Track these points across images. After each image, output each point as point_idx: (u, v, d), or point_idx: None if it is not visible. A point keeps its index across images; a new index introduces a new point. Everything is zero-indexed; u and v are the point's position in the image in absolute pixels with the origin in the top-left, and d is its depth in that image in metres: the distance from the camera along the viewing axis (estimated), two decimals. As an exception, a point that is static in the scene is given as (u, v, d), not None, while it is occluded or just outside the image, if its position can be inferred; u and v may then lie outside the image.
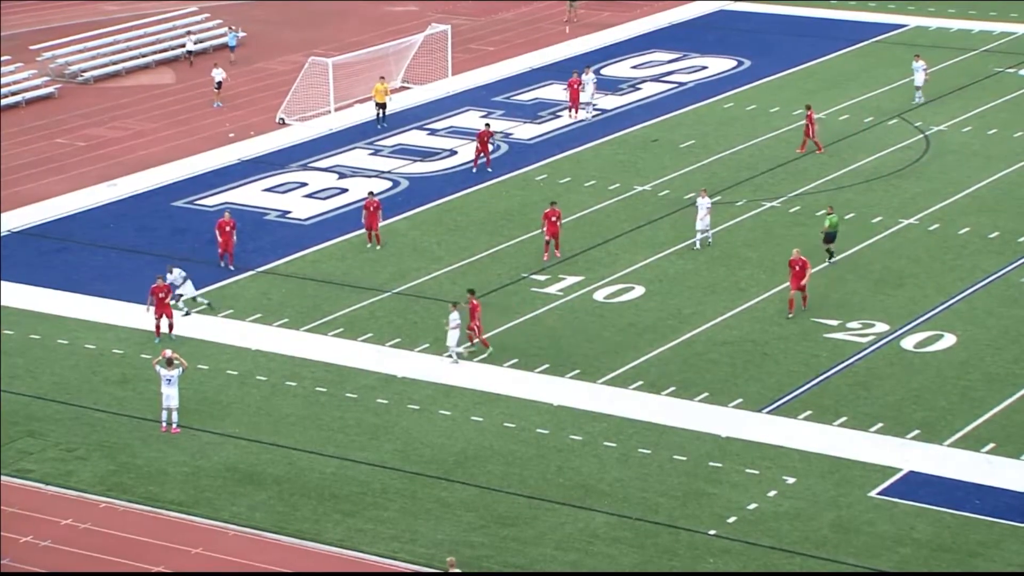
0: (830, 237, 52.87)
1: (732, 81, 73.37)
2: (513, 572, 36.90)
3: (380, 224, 54.69)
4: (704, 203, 54.43)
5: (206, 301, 49.72)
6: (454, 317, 46.23)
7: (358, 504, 39.50)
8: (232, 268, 53.06)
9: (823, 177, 60.88)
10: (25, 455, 41.70)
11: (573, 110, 68.05)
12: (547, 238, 53.66)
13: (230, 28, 78.23)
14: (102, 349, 47.67)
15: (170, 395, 42.73)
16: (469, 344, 46.90)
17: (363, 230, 55.00)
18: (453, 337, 46.30)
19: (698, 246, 54.36)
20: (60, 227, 57.40)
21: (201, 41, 78.73)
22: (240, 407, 44.21)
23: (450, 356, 46.43)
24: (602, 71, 73.53)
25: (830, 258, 52.72)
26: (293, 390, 45.27)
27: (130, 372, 46.30)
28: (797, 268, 48.82)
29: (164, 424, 42.90)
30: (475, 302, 46.94)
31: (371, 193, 55.78)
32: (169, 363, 42.97)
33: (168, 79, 75.34)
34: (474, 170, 61.90)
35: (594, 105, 68.04)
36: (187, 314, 49.16)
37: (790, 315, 48.71)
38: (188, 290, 49.69)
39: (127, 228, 57.03)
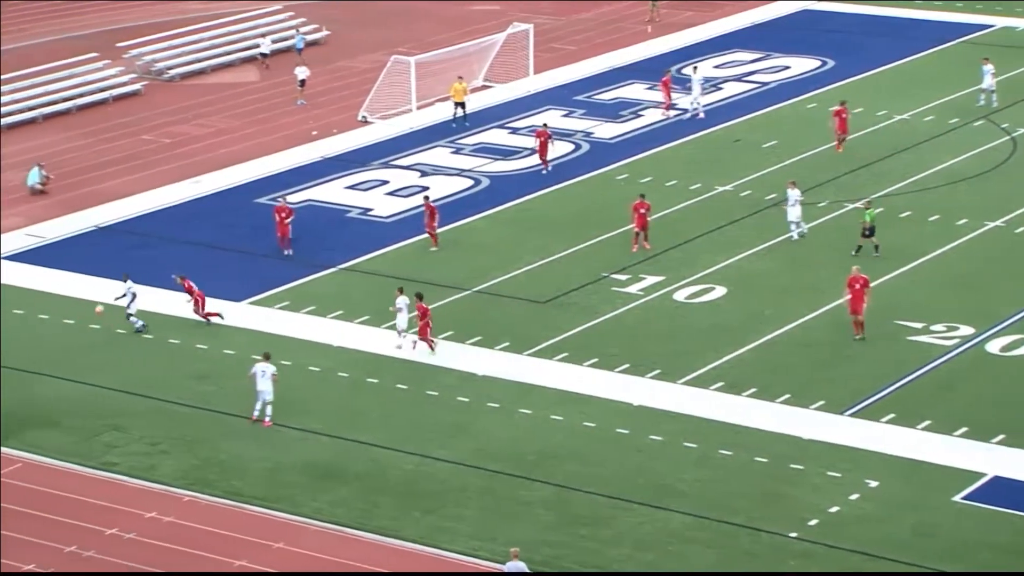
0: (870, 231, 52.83)
1: (815, 81, 72.99)
2: (590, 572, 36.92)
3: (437, 228, 54.45)
4: (794, 194, 54.69)
5: (138, 323, 48.85)
6: (400, 301, 46.60)
7: (438, 501, 39.64)
8: (289, 253, 53.60)
9: (907, 178, 60.46)
10: (110, 448, 42.15)
11: (664, 107, 68.00)
12: (636, 230, 53.89)
13: (297, 31, 78.35)
14: (185, 344, 48.06)
15: (266, 389, 42.95)
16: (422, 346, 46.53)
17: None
18: (402, 320, 46.63)
19: (795, 236, 54.57)
20: (144, 223, 57.92)
21: (282, 40, 79.11)
22: (321, 403, 44.45)
23: (402, 340, 46.82)
24: (683, 71, 73.36)
25: (876, 250, 52.73)
26: (374, 387, 45.48)
27: (212, 367, 46.67)
28: (857, 287, 47.24)
29: (255, 415, 43.14)
30: (423, 306, 46.69)
31: (427, 198, 55.80)
32: (267, 357, 43.26)
33: (252, 77, 75.84)
34: (544, 171, 61.86)
35: (700, 105, 67.81)
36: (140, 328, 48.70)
37: (858, 336, 47.55)
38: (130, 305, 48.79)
39: (209, 225, 57.46)
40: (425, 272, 52.80)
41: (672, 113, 67.95)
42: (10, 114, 69.29)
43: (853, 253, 53.03)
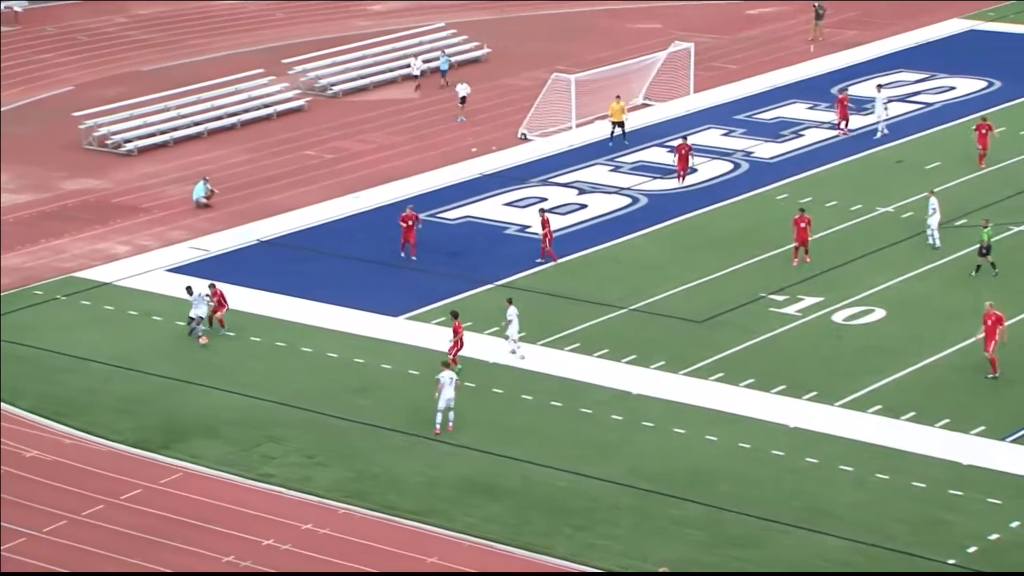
0: (987, 250, 52.32)
1: (981, 102, 71.91)
2: (744, 593, 36.69)
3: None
4: (932, 202, 55.04)
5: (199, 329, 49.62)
6: (511, 312, 47.37)
7: (589, 519, 39.62)
8: (414, 259, 54.76)
9: (1074, 202, 59.39)
10: (268, 460, 42.70)
11: (844, 123, 67.56)
12: (796, 244, 53.79)
13: (443, 52, 78.49)
14: (344, 357, 48.58)
15: (452, 396, 43.37)
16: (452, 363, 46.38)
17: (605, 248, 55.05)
18: (513, 330, 47.37)
19: (935, 244, 55.05)
20: (305, 237, 58.65)
21: (432, 61, 79.65)
22: (475, 418, 44.65)
23: (515, 346, 47.59)
24: (847, 90, 72.68)
25: (993, 270, 52.28)
26: (528, 404, 45.59)
27: (370, 381, 47.10)
28: (990, 323, 46.08)
29: (438, 427, 43.50)
30: (458, 324, 47.08)
31: (542, 211, 56.17)
32: (446, 365, 43.74)
33: (413, 94, 76.46)
34: (680, 182, 62.12)
35: (884, 123, 67.22)
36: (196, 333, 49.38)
37: (990, 376, 46.23)
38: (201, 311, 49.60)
39: (368, 239, 58.02)
40: (582, 290, 52.84)
41: (845, 132, 67.34)
42: (176, 129, 70.58)
43: (972, 273, 52.49)
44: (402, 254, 55.56)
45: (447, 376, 43.49)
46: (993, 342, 46.15)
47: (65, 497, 40.73)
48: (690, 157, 62.93)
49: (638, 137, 68.08)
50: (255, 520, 39.75)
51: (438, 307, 51.60)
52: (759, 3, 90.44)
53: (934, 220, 55.33)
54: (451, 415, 43.63)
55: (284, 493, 41.17)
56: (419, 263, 55.39)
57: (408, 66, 77.61)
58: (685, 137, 64.17)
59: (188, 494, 40.99)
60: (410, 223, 55.63)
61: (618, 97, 68.23)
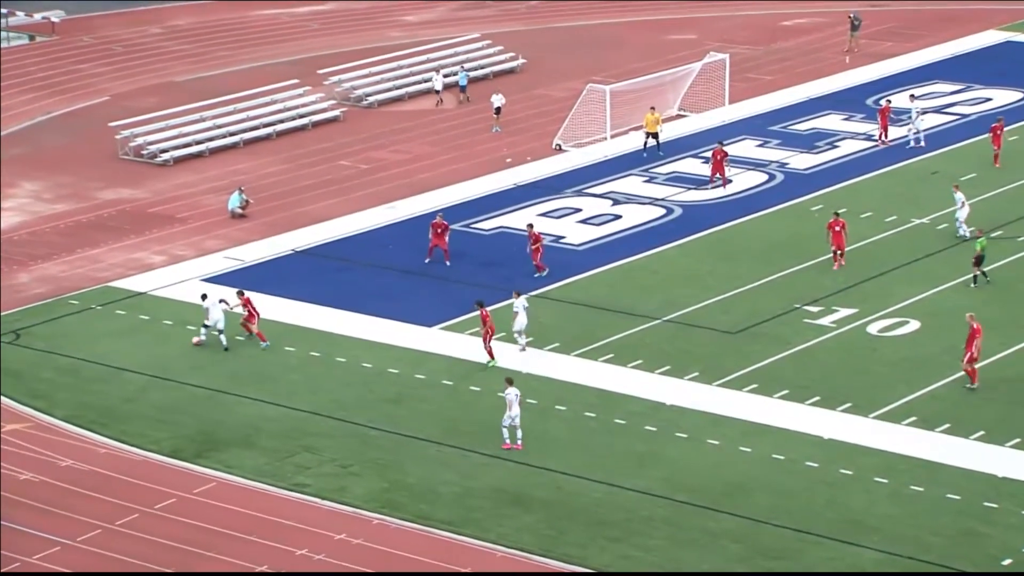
0: (980, 260, 52.45)
1: (1018, 114, 71.65)
2: (778, 606, 36.60)
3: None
4: (959, 196, 56.70)
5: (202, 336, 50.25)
6: (519, 303, 48.38)
7: (624, 531, 39.58)
8: (447, 264, 55.49)
9: (1111, 213, 59.13)
10: (302, 470, 42.77)
11: (883, 134, 67.63)
12: (833, 248, 54.30)
13: (461, 67, 78.15)
14: (378, 368, 48.65)
15: (518, 413, 43.32)
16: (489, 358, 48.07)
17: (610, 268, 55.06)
18: (519, 322, 48.21)
19: (965, 235, 56.10)
20: (340, 247, 58.78)
21: (476, 69, 79.70)
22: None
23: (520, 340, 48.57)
24: (881, 102, 72.50)
25: (985, 279, 52.55)
26: (562, 414, 45.58)
27: (404, 391, 47.16)
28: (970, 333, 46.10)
29: (507, 442, 43.49)
30: (484, 312, 48.18)
31: (531, 225, 56.22)
32: (510, 382, 43.69)
33: (449, 104, 76.56)
34: (709, 187, 62.54)
35: (917, 134, 67.32)
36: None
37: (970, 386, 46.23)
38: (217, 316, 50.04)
39: (404, 250, 58.11)
40: (616, 300, 52.81)
41: (885, 143, 67.22)
42: (212, 139, 70.83)
43: (972, 285, 52.27)
44: (427, 260, 55.96)
45: (513, 393, 43.40)
46: (968, 351, 46.12)
47: (99, 506, 40.89)
48: (726, 165, 62.85)
49: (673, 148, 68.03)
50: (289, 530, 39.83)
51: (473, 317, 51.59)
52: (795, 14, 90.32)
53: (962, 213, 56.83)
54: (519, 433, 43.47)
55: (318, 503, 41.24)
56: (453, 273, 55.44)
57: (430, 80, 77.24)
58: (721, 142, 64.07)
59: (222, 504, 41.09)
60: (439, 230, 55.90)
61: (652, 108, 68.20)
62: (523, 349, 49.03)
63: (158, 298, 54.15)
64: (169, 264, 57.22)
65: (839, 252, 54.58)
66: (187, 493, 41.57)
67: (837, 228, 54.57)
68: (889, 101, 69.40)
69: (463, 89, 76.30)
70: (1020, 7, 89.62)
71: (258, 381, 47.80)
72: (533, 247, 55.10)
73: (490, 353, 48.18)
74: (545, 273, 54.71)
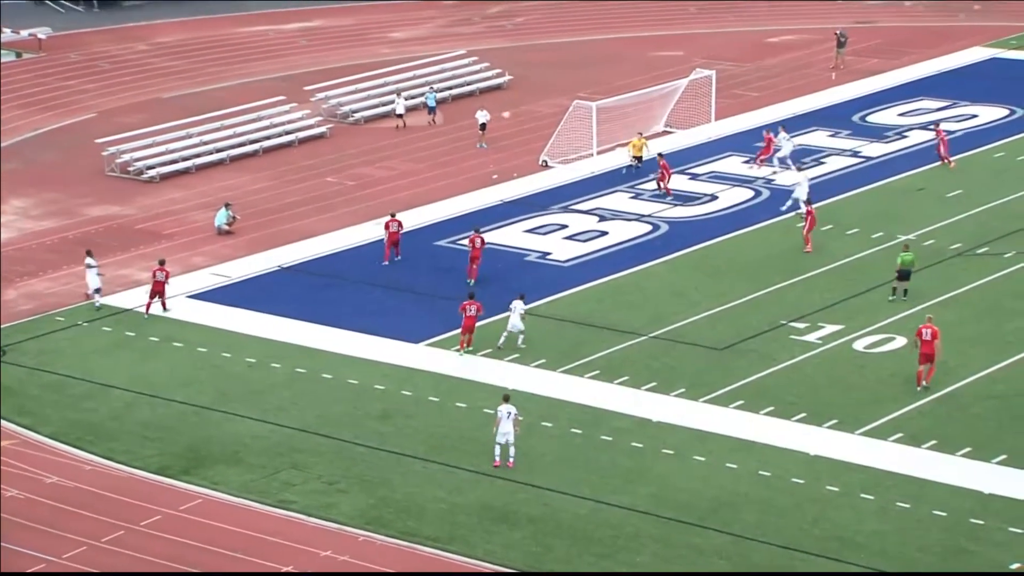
0: (904, 275, 52.68)
1: (1003, 130, 71.87)
2: (765, 622, 36.57)
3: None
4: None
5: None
6: (518, 304, 49.89)
7: (611, 547, 39.55)
8: (399, 258, 57.67)
9: (1096, 229, 59.27)
10: (288, 486, 42.71)
11: (946, 156, 67.71)
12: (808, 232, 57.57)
13: (431, 88, 77.79)
14: (365, 384, 48.62)
15: (509, 431, 43.21)
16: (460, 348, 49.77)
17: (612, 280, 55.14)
18: (514, 322, 49.80)
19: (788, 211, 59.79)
20: (326, 264, 58.75)
21: (460, 86, 79.69)
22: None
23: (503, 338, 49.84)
24: (867, 118, 72.73)
25: (903, 294, 52.85)
26: (549, 431, 45.56)
27: (391, 407, 47.12)
28: (927, 337, 46.66)
29: (498, 459, 43.43)
30: (472, 305, 49.81)
31: (476, 229, 57.11)
32: (506, 399, 43.66)
33: (436, 120, 76.51)
34: (666, 195, 63.82)
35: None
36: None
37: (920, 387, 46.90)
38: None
39: (390, 266, 58.08)
40: (602, 317, 52.84)
41: (949, 162, 67.31)
42: (199, 155, 70.82)
43: (891, 298, 52.82)
44: (386, 263, 57.58)
45: (504, 410, 43.38)
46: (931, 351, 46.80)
47: (85, 523, 40.79)
48: (669, 174, 64.21)
49: (656, 165, 68.00)
50: (275, 547, 39.75)
51: (458, 334, 51.57)
52: (781, 31, 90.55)
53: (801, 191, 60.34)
54: (511, 451, 43.41)
55: (305, 520, 41.18)
56: (439, 289, 55.41)
57: (392, 103, 76.37)
58: (661, 154, 65.62)
59: (209, 521, 41.02)
60: (394, 228, 57.82)
61: (640, 134, 68.34)
62: (499, 347, 49.86)
63: (144, 314, 54.04)
64: (155, 280, 57.14)
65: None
66: (173, 510, 41.48)
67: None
68: (939, 124, 69.28)
69: (432, 111, 76.03)
70: (1005, 24, 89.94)
71: (245, 398, 47.74)
72: (474, 254, 55.95)
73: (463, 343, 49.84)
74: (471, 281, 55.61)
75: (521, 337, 49.87)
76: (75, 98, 79.57)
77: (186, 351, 51.10)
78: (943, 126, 68.82)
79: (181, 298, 55.03)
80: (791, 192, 62.02)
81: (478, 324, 50.60)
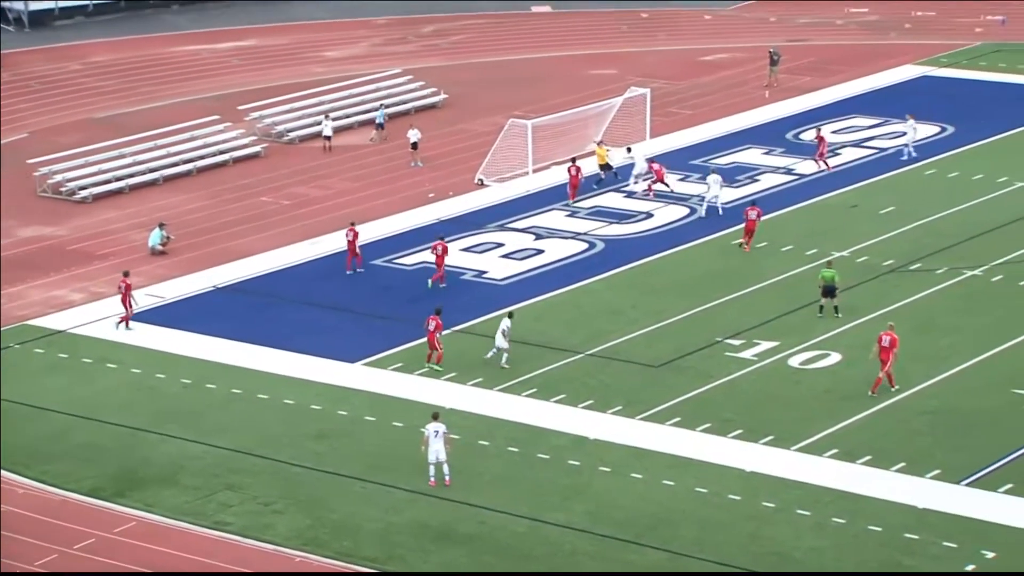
0: (828, 291, 53.08)
1: (935, 147, 72.40)
2: (703, 639, 36.61)
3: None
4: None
5: None
6: (506, 323, 50.07)
7: (549, 565, 39.52)
8: (361, 270, 58.43)
9: (1028, 245, 59.80)
10: (224, 508, 42.46)
11: (820, 161, 69.33)
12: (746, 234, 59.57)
13: (381, 104, 77.59)
14: (301, 404, 48.42)
15: (440, 449, 43.04)
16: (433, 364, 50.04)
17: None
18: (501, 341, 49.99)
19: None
20: (262, 284, 58.51)
21: (403, 104, 79.73)
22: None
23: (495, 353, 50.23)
24: (800, 136, 73.10)
25: (835, 311, 53.08)
26: (486, 449, 45.50)
27: (327, 427, 46.94)
28: (886, 344, 47.54)
29: (433, 479, 43.26)
30: (439, 322, 50.33)
31: (441, 237, 58.69)
32: (435, 417, 43.49)
33: (382, 138, 76.36)
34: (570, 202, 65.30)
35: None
36: None
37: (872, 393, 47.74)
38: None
39: (326, 286, 57.91)
40: (539, 335, 52.83)
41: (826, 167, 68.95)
42: (132, 175, 70.40)
43: (819, 315, 52.97)
44: (348, 271, 58.51)
45: (432, 429, 43.25)
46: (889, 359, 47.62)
47: (18, 547, 40.39)
48: (581, 180, 66.03)
49: (594, 182, 68.21)
50: (211, 569, 39.48)
51: (395, 353, 51.50)
52: (715, 49, 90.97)
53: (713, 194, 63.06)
54: (446, 468, 43.25)
55: (241, 541, 40.94)
56: (376, 308, 55.28)
57: (320, 124, 75.76)
58: (574, 158, 67.16)
59: (143, 543, 40.71)
60: (350, 238, 58.58)
61: (600, 143, 68.61)
62: (488, 355, 50.55)
63: (77, 336, 53.67)
64: (89, 302, 56.76)
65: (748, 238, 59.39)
66: (107, 532, 41.16)
67: (752, 216, 59.39)
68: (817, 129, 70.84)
69: (380, 127, 75.96)
70: (936, 42, 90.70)
71: (180, 419, 47.45)
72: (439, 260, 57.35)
73: (429, 358, 50.14)
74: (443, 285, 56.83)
75: (505, 356, 49.85)
76: (7, 118, 78.93)
77: (120, 372, 50.76)
78: (824, 131, 71.15)
79: (115, 319, 54.65)
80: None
81: (416, 343, 50.50)
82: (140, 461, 44.98)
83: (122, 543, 40.64)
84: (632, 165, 67.91)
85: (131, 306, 53.99)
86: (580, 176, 65.87)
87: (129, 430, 46.83)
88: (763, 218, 63.23)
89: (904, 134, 70.98)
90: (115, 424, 47.19)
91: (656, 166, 66.60)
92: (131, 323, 53.99)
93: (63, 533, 41.05)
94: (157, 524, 41.76)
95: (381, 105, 77.71)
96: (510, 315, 50.77)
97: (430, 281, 56.99)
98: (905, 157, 69.96)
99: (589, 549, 40.18)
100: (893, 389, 47.74)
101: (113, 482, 43.78)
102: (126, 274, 54.75)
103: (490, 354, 50.28)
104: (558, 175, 68.72)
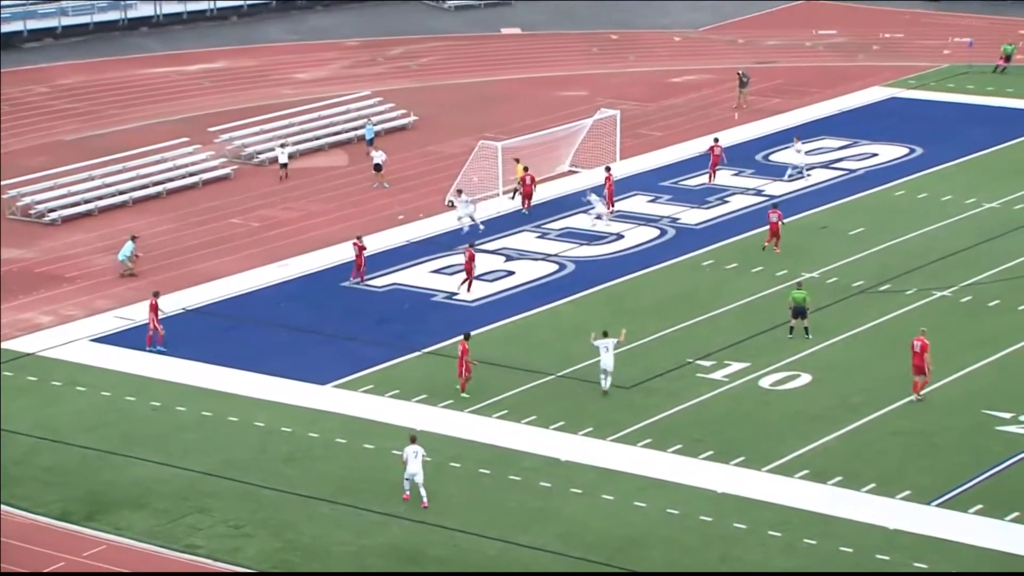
0: (798, 312, 53.34)
1: (903, 169, 72.70)
2: (675, 661, 36.57)
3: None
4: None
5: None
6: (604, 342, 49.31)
7: (520, 587, 39.45)
8: (362, 281, 59.58)
9: (996, 267, 59.97)
10: (194, 531, 42.29)
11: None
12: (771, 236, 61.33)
13: (369, 120, 77.97)
14: (271, 426, 48.28)
15: (417, 471, 42.98)
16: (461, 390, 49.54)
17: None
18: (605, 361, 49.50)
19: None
20: (231, 306, 58.37)
21: (356, 128, 79.73)
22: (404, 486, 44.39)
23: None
24: (770, 157, 73.27)
25: (805, 332, 53.36)
26: (457, 471, 45.42)
27: (297, 449, 46.82)
28: (917, 349, 49.04)
29: (408, 492, 43.19)
30: (465, 346, 49.58)
31: (471, 245, 59.81)
32: (413, 439, 43.44)
33: (341, 161, 76.47)
34: (524, 211, 66.70)
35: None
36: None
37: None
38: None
39: (298, 308, 57.83)
40: (510, 357, 52.79)
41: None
42: (101, 198, 70.21)
43: (789, 336, 53.26)
44: (353, 280, 59.67)
45: (411, 451, 43.14)
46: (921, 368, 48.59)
47: (-13, 571, 40.20)
48: (534, 189, 66.66)
49: (565, 204, 68.33)
50: (181, 592, 39.35)
51: (366, 375, 51.43)
52: (684, 71, 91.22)
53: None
54: (422, 490, 43.15)
55: (211, 564, 40.78)
56: (346, 330, 55.22)
57: (274, 150, 75.33)
58: (526, 167, 67.40)
59: (112, 567, 40.53)
60: (357, 251, 59.49)
61: (517, 160, 68.68)
62: (605, 389, 49.88)
63: (46, 359, 53.44)
64: (58, 324, 56.55)
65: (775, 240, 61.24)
66: (76, 556, 40.95)
67: (773, 219, 61.28)
68: (716, 140, 71.90)
69: (370, 142, 76.05)
70: (904, 64, 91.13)
71: (150, 442, 47.26)
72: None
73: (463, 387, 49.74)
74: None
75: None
76: (-25, 140, 78.70)
77: (90, 395, 50.56)
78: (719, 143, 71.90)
79: (84, 341, 54.45)
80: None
81: (386, 364, 50.42)
82: (109, 484, 44.78)
83: (92, 567, 40.42)
84: (591, 206, 67.20)
85: (158, 325, 53.75)
86: (533, 186, 66.88)
87: (98, 453, 46.63)
88: (733, 240, 63.47)
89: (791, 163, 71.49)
90: (84, 447, 46.98)
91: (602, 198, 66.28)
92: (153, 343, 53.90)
93: (32, 557, 40.81)
94: (127, 547, 41.56)
95: (368, 120, 77.90)
96: (605, 333, 49.78)
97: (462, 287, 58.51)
98: (788, 175, 70.63)
99: (561, 571, 40.11)
100: (921, 393, 48.56)
101: (82, 505, 43.57)
102: (156, 294, 54.54)
103: (604, 382, 49.73)
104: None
